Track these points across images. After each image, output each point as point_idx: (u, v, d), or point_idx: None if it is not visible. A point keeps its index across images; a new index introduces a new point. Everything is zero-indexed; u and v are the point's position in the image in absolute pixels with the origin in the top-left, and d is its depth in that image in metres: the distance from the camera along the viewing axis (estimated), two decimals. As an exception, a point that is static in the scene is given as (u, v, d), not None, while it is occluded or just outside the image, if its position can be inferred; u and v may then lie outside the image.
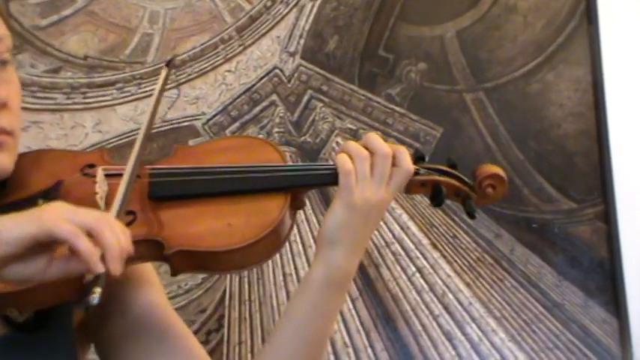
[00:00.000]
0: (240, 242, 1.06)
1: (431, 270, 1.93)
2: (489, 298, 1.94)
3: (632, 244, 1.97)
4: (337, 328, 1.88)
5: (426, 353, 1.90)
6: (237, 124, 1.95)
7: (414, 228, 1.94)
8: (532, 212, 1.98)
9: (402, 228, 1.94)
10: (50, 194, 1.07)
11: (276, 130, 1.96)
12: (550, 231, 1.98)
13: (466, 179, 1.18)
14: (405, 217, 1.94)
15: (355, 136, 1.97)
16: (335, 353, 1.88)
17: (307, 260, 1.91)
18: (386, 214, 1.90)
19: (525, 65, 2.02)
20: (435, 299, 1.93)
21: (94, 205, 1.05)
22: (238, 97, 1.96)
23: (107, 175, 1.10)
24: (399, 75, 2.00)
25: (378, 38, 2.01)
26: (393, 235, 1.93)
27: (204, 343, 1.85)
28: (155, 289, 1.19)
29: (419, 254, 1.93)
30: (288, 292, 1.89)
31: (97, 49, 1.94)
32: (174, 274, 1.08)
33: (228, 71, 1.96)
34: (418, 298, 1.92)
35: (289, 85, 1.97)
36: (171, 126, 1.93)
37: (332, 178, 1.13)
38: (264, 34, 1.98)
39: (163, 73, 1.21)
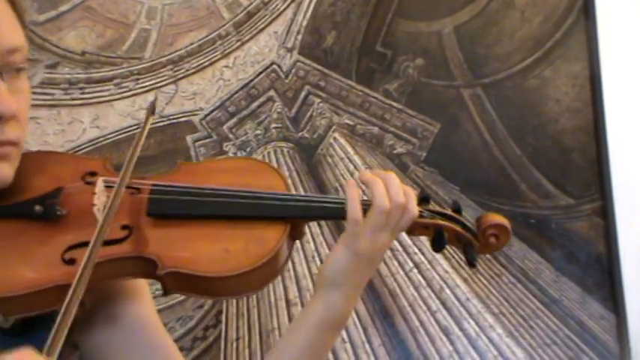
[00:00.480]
0: (235, 270, 1.03)
1: (428, 266, 1.93)
2: (487, 293, 1.94)
3: (630, 239, 1.97)
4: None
5: (423, 349, 1.90)
6: (234, 120, 1.95)
7: (411, 223, 1.94)
8: (529, 208, 1.98)
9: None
10: (49, 200, 1.06)
11: (273, 125, 1.96)
12: (547, 227, 1.98)
13: (470, 226, 1.14)
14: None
15: (353, 132, 1.97)
16: (333, 349, 1.88)
17: (304, 256, 1.91)
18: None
19: (523, 61, 2.02)
20: (432, 295, 1.93)
21: (91, 217, 1.03)
22: (236, 92, 1.96)
23: (107, 187, 1.08)
24: (397, 71, 2.00)
25: (376, 34, 2.01)
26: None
27: (202, 338, 1.85)
28: (145, 303, 1.18)
29: (416, 250, 1.93)
30: (285, 288, 1.89)
31: (95, 44, 1.93)
32: (165, 293, 1.05)
33: (226, 67, 1.96)
34: (416, 294, 1.92)
35: (287, 81, 1.97)
36: (169, 121, 1.93)
37: (339, 213, 1.10)
38: (261, 30, 1.98)
39: (145, 117, 1.15)
